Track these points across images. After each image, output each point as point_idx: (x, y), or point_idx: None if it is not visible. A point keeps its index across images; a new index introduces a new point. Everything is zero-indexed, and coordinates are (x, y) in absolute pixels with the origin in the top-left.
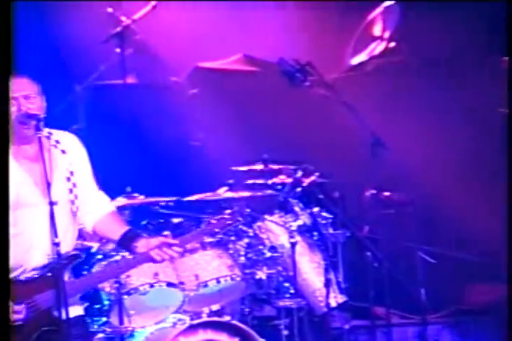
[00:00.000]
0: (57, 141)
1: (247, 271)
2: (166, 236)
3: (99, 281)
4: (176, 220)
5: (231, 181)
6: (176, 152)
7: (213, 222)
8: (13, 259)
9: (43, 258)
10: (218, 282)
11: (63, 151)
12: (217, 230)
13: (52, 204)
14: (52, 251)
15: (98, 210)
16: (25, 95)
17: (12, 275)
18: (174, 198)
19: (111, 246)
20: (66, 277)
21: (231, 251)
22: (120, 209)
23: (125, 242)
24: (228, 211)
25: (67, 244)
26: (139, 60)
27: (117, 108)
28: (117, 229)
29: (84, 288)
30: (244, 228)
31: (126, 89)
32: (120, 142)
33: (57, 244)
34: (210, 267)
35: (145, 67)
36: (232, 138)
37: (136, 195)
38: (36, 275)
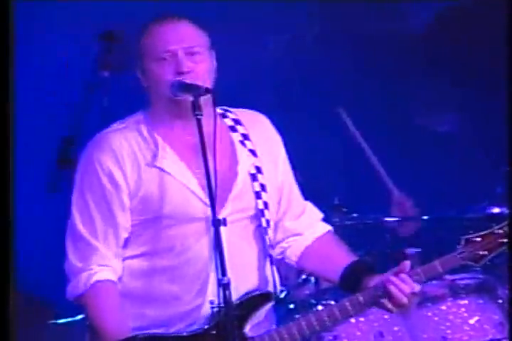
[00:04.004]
0: (238, 121)
1: None
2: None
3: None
4: (411, 250)
5: (500, 190)
6: (413, 143)
7: (478, 239)
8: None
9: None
10: None
11: (245, 137)
12: (484, 253)
13: (216, 221)
14: (218, 295)
15: (307, 230)
16: (187, 48)
17: (171, 329)
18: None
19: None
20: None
21: (500, 301)
22: None
23: (349, 279)
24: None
25: (252, 282)
26: None
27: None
28: (339, 260)
29: None
30: None
31: None
32: (324, 131)
33: (226, 285)
34: (467, 325)
35: None
36: (492, 118)
37: (345, 209)
38: (199, 331)
